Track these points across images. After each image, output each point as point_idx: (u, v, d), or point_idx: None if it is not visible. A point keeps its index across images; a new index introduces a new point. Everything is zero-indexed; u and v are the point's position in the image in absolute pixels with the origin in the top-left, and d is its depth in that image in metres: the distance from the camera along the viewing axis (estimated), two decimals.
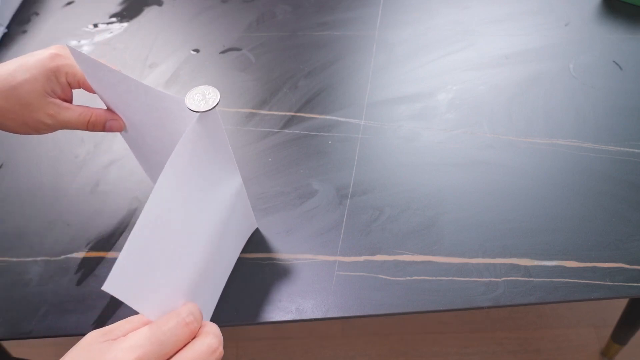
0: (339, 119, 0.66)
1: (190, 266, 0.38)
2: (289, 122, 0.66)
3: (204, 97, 0.37)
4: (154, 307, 0.33)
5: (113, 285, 0.29)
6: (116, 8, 0.86)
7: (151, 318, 0.33)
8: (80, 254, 0.56)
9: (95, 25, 0.83)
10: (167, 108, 0.43)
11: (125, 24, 0.83)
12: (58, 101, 0.47)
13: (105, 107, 0.49)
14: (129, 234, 0.55)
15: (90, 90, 0.47)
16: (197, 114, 0.37)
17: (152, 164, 0.55)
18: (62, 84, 0.46)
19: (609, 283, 0.49)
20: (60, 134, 0.68)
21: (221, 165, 0.43)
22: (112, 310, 0.51)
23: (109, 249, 0.56)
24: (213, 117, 0.38)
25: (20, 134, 0.48)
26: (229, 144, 0.42)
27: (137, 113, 0.47)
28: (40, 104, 0.46)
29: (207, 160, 0.40)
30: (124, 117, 0.49)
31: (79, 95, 0.50)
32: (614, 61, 0.68)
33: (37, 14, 0.87)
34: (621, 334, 0.92)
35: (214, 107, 0.37)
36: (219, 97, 0.37)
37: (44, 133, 0.48)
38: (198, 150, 0.38)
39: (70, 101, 0.49)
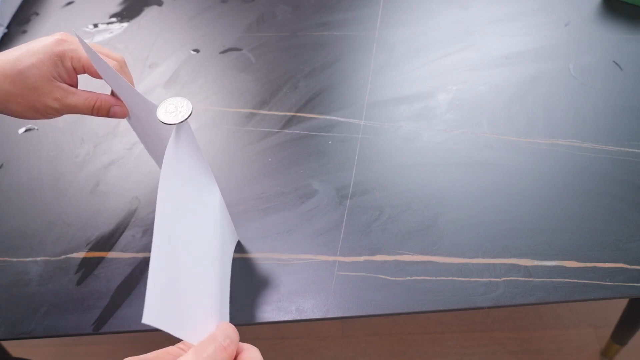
0: (339, 119, 0.65)
1: (208, 283, 0.38)
2: (289, 122, 0.66)
3: (176, 108, 0.37)
4: (193, 330, 0.33)
5: (151, 316, 0.28)
6: (116, 8, 0.86)
7: (192, 342, 0.33)
8: (80, 254, 0.56)
9: (95, 25, 0.83)
10: (148, 110, 0.43)
11: (125, 24, 0.83)
12: (65, 86, 0.47)
13: (109, 93, 0.50)
14: (129, 234, 0.55)
15: (94, 75, 0.48)
16: (174, 127, 0.37)
17: (153, 150, 0.57)
18: (67, 69, 0.47)
19: (609, 283, 0.49)
20: (60, 133, 0.68)
21: (201, 176, 0.43)
22: (112, 310, 0.51)
23: (109, 249, 0.56)
24: (185, 130, 0.38)
25: (27, 118, 0.48)
26: (204, 156, 0.43)
27: (131, 105, 0.48)
28: (47, 88, 0.46)
29: (190, 173, 0.40)
30: (125, 105, 0.50)
31: (84, 83, 0.51)
32: (614, 61, 0.68)
33: (37, 14, 0.87)
34: (621, 334, 0.92)
35: (184, 120, 0.37)
36: (190, 110, 0.37)
37: (51, 117, 0.49)
38: (181, 164, 0.38)
39: (75, 86, 0.49)
